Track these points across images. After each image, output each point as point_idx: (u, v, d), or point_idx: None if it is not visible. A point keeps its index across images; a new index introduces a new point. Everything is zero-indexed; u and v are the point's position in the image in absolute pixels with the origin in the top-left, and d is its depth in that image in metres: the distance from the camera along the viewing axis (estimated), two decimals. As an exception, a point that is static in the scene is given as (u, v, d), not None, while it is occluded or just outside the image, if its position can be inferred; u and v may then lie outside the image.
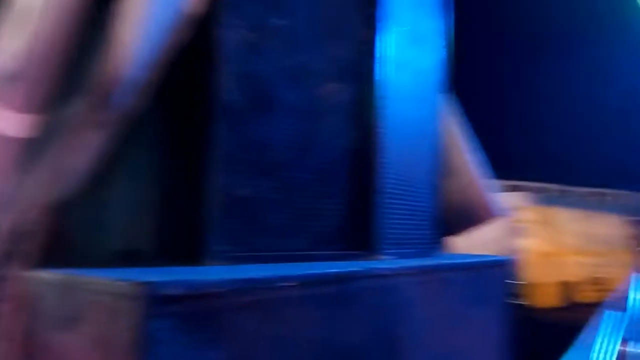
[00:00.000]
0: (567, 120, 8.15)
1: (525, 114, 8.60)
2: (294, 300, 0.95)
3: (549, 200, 8.71)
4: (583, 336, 2.87)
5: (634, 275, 4.22)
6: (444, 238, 1.86)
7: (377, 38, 1.48)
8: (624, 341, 3.14)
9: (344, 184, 1.42)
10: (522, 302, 7.06)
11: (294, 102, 1.28)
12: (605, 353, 2.83)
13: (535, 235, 8.15)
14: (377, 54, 1.48)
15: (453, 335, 1.51)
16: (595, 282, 7.76)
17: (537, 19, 8.14)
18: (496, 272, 1.79)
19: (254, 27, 1.20)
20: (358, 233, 1.43)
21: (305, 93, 1.31)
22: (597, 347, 2.84)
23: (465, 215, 1.90)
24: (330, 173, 1.39)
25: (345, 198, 1.42)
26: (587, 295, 7.36)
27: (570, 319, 4.29)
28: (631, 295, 3.98)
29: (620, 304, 3.87)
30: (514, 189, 8.62)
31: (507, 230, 7.99)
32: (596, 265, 8.08)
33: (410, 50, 1.63)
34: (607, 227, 8.58)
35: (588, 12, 8.04)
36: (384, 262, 1.39)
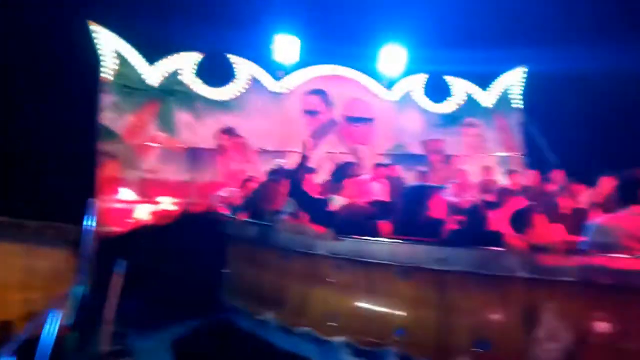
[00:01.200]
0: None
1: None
2: None
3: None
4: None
5: (52, 310, 4.20)
6: None
7: None
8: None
9: None
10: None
11: None
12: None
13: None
14: None
15: None
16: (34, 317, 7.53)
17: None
18: None
19: None
20: None
21: None
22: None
23: None
24: None
25: None
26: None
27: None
28: (46, 330, 3.91)
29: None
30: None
31: None
32: (36, 300, 7.86)
33: None
34: (52, 260, 8.56)
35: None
36: None
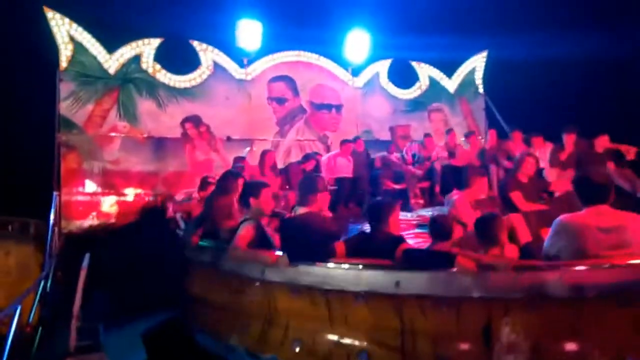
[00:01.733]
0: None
1: None
2: None
3: None
4: None
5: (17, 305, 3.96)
6: None
7: None
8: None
9: None
10: None
11: None
12: None
13: None
14: None
15: None
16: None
17: None
18: None
19: None
20: None
21: None
22: None
23: None
24: None
25: None
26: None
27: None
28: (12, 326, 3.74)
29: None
30: None
31: None
32: (0, 296, 7.71)
33: None
34: (17, 256, 8.36)
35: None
36: None
